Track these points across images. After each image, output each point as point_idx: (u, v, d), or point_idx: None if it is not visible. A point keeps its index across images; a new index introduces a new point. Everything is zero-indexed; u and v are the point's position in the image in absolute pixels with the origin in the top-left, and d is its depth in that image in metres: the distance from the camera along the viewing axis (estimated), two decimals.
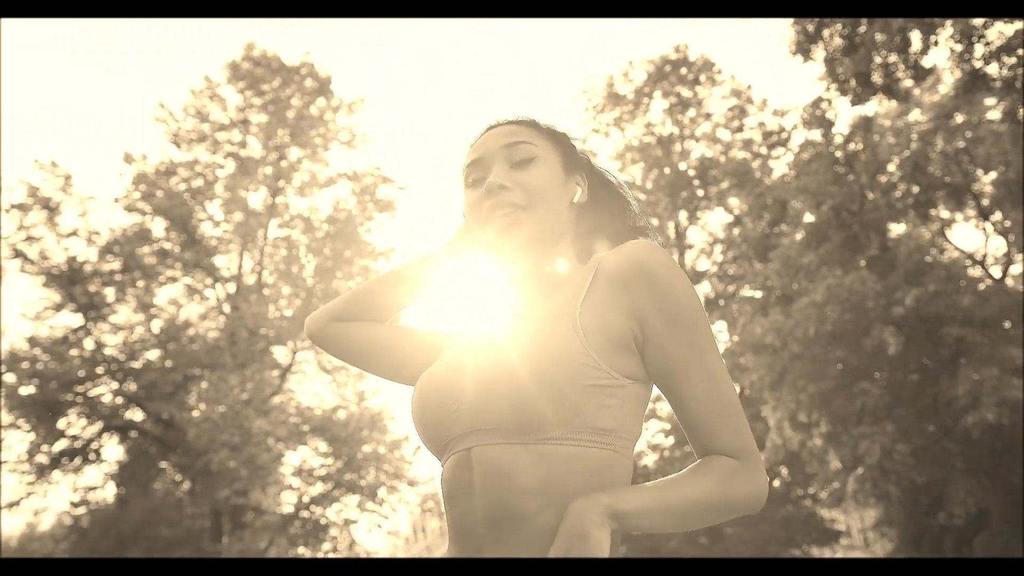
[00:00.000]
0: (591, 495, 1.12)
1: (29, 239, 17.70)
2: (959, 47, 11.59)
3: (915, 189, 13.37)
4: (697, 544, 17.61)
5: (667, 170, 22.01)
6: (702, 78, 22.78)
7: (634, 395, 1.21)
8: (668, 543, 17.21)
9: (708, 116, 22.84)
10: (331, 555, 18.65)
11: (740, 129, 22.27)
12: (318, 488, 18.46)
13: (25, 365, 17.29)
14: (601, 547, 1.08)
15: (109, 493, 18.64)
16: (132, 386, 18.01)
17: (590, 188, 1.46)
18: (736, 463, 1.18)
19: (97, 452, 18.33)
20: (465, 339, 1.39)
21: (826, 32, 13.92)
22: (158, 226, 18.97)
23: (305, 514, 18.31)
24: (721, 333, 20.97)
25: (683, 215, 22.22)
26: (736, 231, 20.40)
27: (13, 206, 17.52)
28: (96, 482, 18.46)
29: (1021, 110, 11.46)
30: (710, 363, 1.20)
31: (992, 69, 11.54)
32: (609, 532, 1.10)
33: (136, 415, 18.45)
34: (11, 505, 17.74)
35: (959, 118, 16.50)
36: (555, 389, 1.16)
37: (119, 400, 18.31)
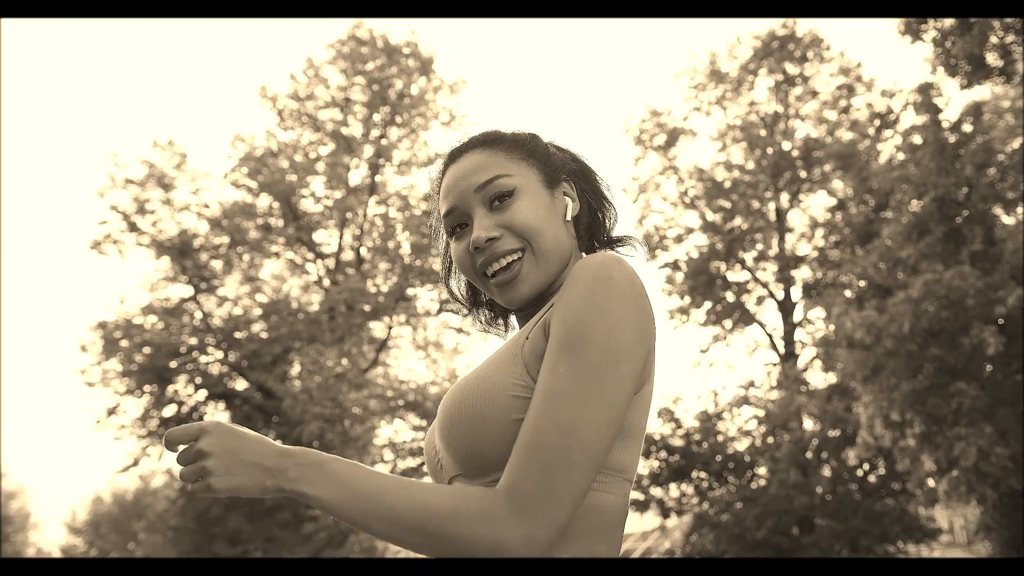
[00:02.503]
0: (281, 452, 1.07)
1: (143, 212, 18.58)
2: None
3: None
4: (788, 535, 17.30)
5: (770, 150, 21.44)
6: (810, 55, 22.02)
7: None
8: (757, 533, 16.96)
9: (815, 94, 22.08)
10: None
11: (847, 109, 21.47)
12: (409, 462, 18.90)
13: (138, 333, 18.23)
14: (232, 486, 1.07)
15: None
16: (236, 355, 18.76)
17: (578, 191, 1.35)
18: (492, 496, 1.02)
19: (202, 418, 19.21)
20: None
21: None
22: (263, 202, 19.62)
23: None
24: (819, 320, 20.42)
25: (784, 197, 21.63)
26: (839, 216, 19.75)
27: (129, 181, 18.42)
28: None
29: None
30: (562, 389, 1.04)
31: None
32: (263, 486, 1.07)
33: (239, 384, 19.23)
34: (126, 468, 18.88)
35: None
36: (486, 432, 1.10)
37: (224, 369, 19.13)
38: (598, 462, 1.04)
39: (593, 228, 1.38)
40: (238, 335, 18.91)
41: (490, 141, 1.33)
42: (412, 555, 1.10)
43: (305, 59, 20.91)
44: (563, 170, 1.34)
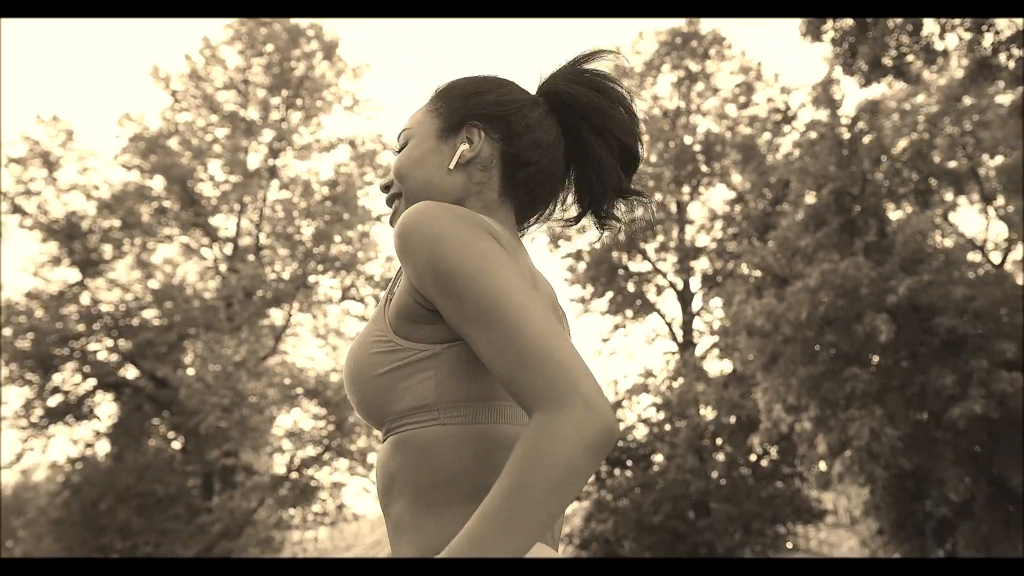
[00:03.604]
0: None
1: (28, 193, 17.70)
2: (968, 35, 11.42)
3: (916, 175, 13.24)
4: (685, 519, 17.70)
5: (672, 144, 21.83)
6: (712, 52, 22.51)
7: (456, 357, 1.13)
8: (654, 518, 17.30)
9: (716, 91, 22.61)
10: (321, 516, 18.80)
11: (747, 105, 22.05)
12: (309, 451, 18.57)
13: (22, 319, 17.34)
14: None
15: (102, 449, 18.76)
16: (127, 343, 18.05)
17: (505, 133, 1.30)
18: (538, 421, 0.98)
19: (91, 408, 18.42)
20: None
21: None
22: (157, 184, 18.92)
23: (295, 476, 18.43)
24: (717, 310, 20.95)
25: (685, 190, 22.08)
26: (737, 208, 20.28)
27: (12, 160, 17.50)
28: (90, 438, 18.57)
29: None
30: (489, 311, 1.04)
31: (1000, 59, 11.37)
32: None
33: (130, 373, 18.52)
34: (10, 464, 17.99)
35: (967, 101, 16.34)
36: (360, 387, 1.18)
37: (114, 357, 18.37)
38: (559, 332, 1.03)
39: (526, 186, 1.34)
40: (130, 322, 18.18)
41: (434, 94, 1.38)
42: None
43: (202, 39, 20.25)
44: (472, 116, 1.31)
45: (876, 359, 11.54)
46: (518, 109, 1.33)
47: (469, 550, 0.93)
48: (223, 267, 19.48)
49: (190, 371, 17.72)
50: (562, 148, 1.35)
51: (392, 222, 1.33)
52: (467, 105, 1.33)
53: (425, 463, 1.13)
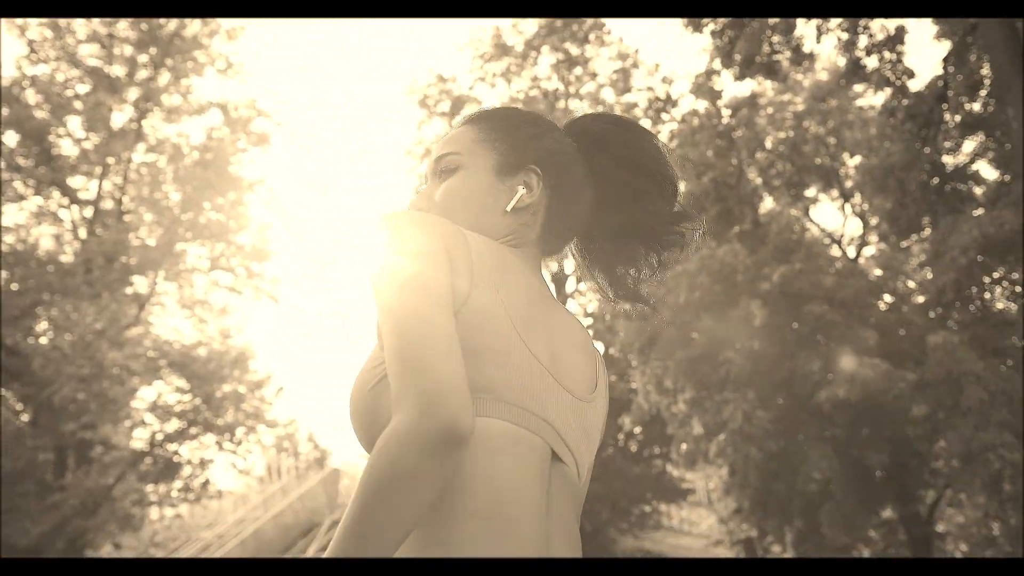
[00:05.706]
0: None
1: None
2: (845, 36, 12.05)
3: (789, 168, 13.88)
4: None
5: None
6: (591, 37, 22.83)
7: None
8: None
9: (594, 76, 22.96)
10: (184, 493, 18.15)
11: (626, 92, 22.48)
12: (173, 425, 17.87)
13: None
14: None
15: None
16: None
17: (555, 182, 1.31)
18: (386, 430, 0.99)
19: None
20: None
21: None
22: (9, 139, 17.67)
23: (158, 451, 17.71)
24: (591, 292, 21.34)
25: None
26: None
27: None
28: None
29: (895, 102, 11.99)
30: (383, 321, 1.06)
31: (872, 61, 12.05)
32: None
33: None
34: None
35: (832, 102, 17.24)
36: (354, 408, 1.13)
37: None
38: (438, 339, 1.01)
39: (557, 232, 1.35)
40: None
41: (477, 119, 1.35)
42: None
43: None
44: (532, 160, 1.31)
45: (750, 343, 12.07)
46: (571, 162, 1.34)
47: (333, 551, 0.94)
48: (82, 231, 18.41)
49: (44, 339, 16.71)
50: (591, 195, 1.35)
51: None
52: (529, 147, 1.31)
53: None
